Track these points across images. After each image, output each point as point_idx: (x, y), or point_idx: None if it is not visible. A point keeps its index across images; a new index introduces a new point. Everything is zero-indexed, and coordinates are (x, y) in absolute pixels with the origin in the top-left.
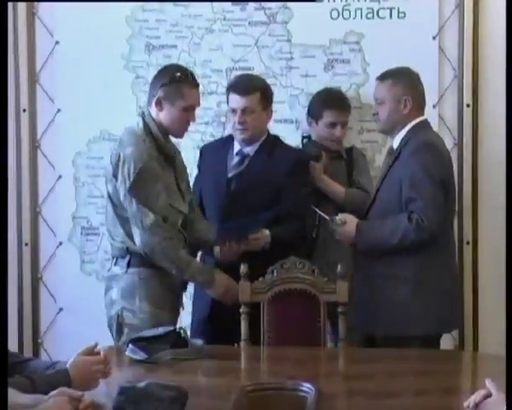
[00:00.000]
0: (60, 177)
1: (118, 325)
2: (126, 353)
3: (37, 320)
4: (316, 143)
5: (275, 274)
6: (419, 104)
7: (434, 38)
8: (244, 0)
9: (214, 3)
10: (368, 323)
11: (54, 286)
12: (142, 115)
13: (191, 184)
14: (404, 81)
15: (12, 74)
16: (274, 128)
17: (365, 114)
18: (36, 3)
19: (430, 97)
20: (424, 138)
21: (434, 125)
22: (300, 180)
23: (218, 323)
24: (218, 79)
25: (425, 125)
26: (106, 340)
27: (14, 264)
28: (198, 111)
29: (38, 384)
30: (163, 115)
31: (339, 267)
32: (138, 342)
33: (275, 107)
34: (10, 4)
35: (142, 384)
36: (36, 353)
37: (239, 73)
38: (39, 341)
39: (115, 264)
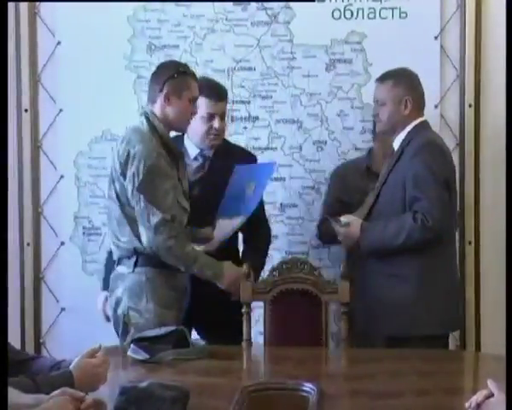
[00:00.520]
0: (61, 177)
1: (124, 325)
2: (128, 353)
3: (39, 320)
4: None
5: (276, 274)
6: (419, 105)
7: (436, 37)
8: (246, 0)
9: (216, 3)
10: (371, 324)
11: (56, 286)
12: (146, 114)
13: None
14: (405, 82)
15: (14, 74)
16: (275, 128)
17: (367, 114)
18: (37, 3)
19: (432, 97)
20: (426, 138)
21: (436, 125)
22: None
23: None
24: (219, 79)
25: (425, 125)
26: (108, 340)
27: (16, 264)
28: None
29: (41, 385)
30: (170, 109)
31: (341, 267)
32: (140, 342)
33: (277, 107)
34: (12, 4)
35: (143, 384)
36: (38, 353)
37: (240, 73)
38: (41, 341)
39: (119, 264)
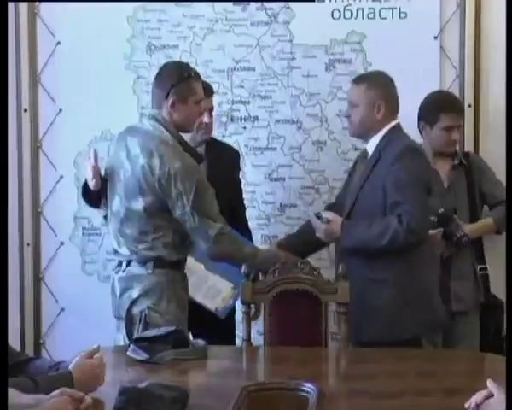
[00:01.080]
0: (61, 177)
1: (144, 325)
2: (128, 353)
3: (39, 321)
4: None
5: (276, 274)
6: (392, 109)
7: (436, 38)
8: (246, 0)
9: (216, 4)
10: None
11: (55, 286)
12: (157, 120)
13: None
14: (379, 86)
15: (13, 75)
16: (275, 128)
17: None
18: (37, 4)
19: None
20: (405, 144)
21: None
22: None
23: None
24: (219, 79)
25: (399, 129)
26: (107, 340)
27: (16, 264)
28: None
29: (41, 386)
30: (177, 115)
31: (340, 268)
32: (140, 342)
33: (276, 107)
34: (12, 4)
35: (143, 385)
36: (37, 353)
37: (239, 73)
38: (41, 341)
39: (128, 265)
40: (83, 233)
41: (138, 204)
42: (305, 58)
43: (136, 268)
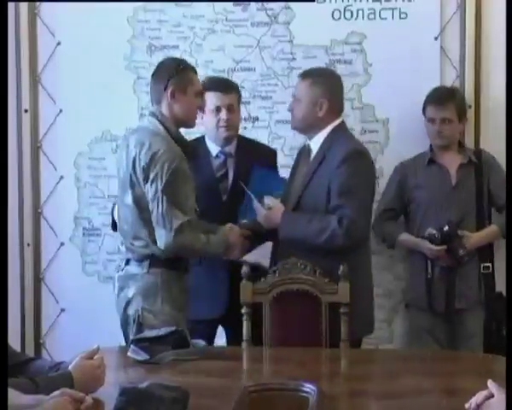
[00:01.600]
0: (61, 177)
1: (138, 325)
2: (128, 353)
3: (39, 321)
4: None
5: (276, 275)
6: (336, 108)
7: (436, 38)
8: (246, 0)
9: (216, 4)
10: None
11: (55, 287)
12: (155, 116)
13: None
14: (323, 83)
15: (14, 75)
16: (275, 129)
17: (367, 114)
18: (38, 4)
19: None
20: (351, 146)
21: None
22: None
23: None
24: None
25: (343, 128)
26: (107, 341)
27: (16, 264)
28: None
29: (41, 386)
30: (177, 106)
31: (340, 268)
32: (140, 342)
33: (277, 107)
34: (12, 4)
35: (143, 385)
36: (38, 353)
37: (240, 73)
38: (41, 341)
39: (127, 264)
40: (83, 234)
41: (129, 198)
42: (305, 58)
43: (133, 268)
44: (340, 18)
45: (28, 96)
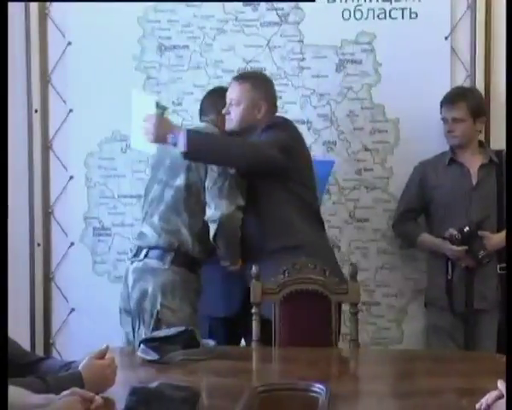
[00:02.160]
0: (71, 177)
1: (156, 321)
2: (138, 353)
3: (49, 321)
4: None
5: (286, 275)
6: (272, 109)
7: (446, 38)
8: (256, 0)
9: (226, 4)
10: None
11: (65, 286)
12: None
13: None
14: (261, 86)
15: (24, 75)
16: None
17: (377, 114)
18: (48, 4)
19: (442, 98)
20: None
21: None
22: None
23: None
24: (229, 79)
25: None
26: (117, 340)
27: (26, 264)
28: None
29: (51, 386)
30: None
31: (350, 267)
32: (150, 342)
33: (287, 107)
34: (22, 5)
35: (153, 385)
36: (47, 353)
37: None
38: (51, 341)
39: (146, 255)
40: (93, 234)
41: (179, 180)
42: (315, 58)
43: (153, 261)
44: (349, 18)
45: (38, 96)
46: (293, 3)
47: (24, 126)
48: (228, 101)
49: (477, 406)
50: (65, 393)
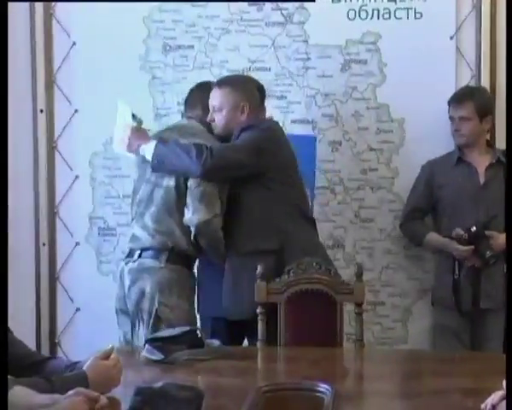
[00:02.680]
0: (77, 177)
1: (156, 319)
2: (143, 353)
3: (54, 320)
4: None
5: (291, 275)
6: (257, 109)
7: (451, 38)
8: (261, 0)
9: (231, 4)
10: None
11: (71, 286)
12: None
13: None
14: (241, 88)
15: (29, 75)
16: (290, 128)
17: (382, 114)
18: (53, 4)
19: (447, 98)
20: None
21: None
22: None
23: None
24: None
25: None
26: (122, 340)
27: (32, 264)
28: None
29: (56, 386)
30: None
31: (355, 267)
32: (155, 342)
33: (292, 107)
34: (27, 5)
35: (158, 385)
36: (53, 353)
37: (254, 73)
38: (56, 341)
39: (140, 256)
40: (98, 233)
41: (169, 180)
42: (320, 58)
43: (148, 260)
44: (355, 18)
45: (44, 96)
46: (297, 3)
47: (29, 127)
48: (210, 108)
49: (482, 406)
50: (70, 393)
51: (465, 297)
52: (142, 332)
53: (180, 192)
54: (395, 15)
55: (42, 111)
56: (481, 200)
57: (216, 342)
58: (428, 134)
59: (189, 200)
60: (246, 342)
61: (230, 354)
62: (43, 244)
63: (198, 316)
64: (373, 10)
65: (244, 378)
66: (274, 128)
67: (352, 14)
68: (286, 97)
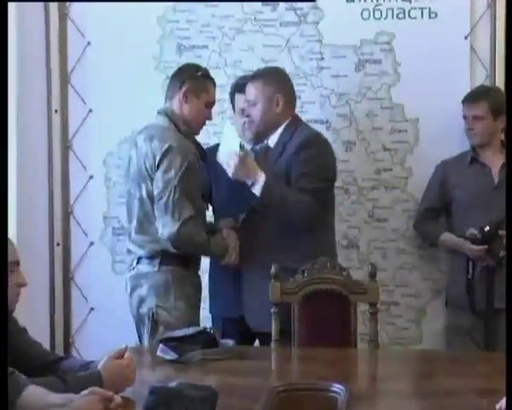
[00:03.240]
0: (91, 177)
1: (153, 323)
2: (157, 353)
3: (69, 320)
4: None
5: (305, 275)
6: (291, 101)
7: (466, 37)
8: (275, 0)
9: (245, 4)
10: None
11: (85, 286)
12: (164, 114)
13: None
14: (275, 80)
15: (44, 75)
16: None
17: (396, 114)
18: (67, 4)
19: (461, 98)
20: (309, 133)
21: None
22: None
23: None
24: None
25: (299, 119)
26: (136, 340)
27: (46, 264)
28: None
29: (71, 385)
30: (187, 108)
31: (369, 267)
32: (169, 342)
33: (306, 107)
34: (42, 5)
35: (173, 384)
36: (67, 352)
37: None
38: (71, 340)
39: (138, 262)
40: (112, 233)
41: (142, 192)
42: (334, 58)
43: (144, 266)
44: (369, 17)
45: (58, 96)
46: (311, 3)
47: (44, 126)
48: (245, 104)
49: (497, 406)
50: (84, 392)
51: (479, 297)
52: (146, 338)
53: (153, 200)
54: (409, 15)
55: (56, 111)
56: (495, 200)
57: (230, 342)
58: (443, 134)
59: (156, 213)
60: (257, 343)
61: (244, 354)
62: (58, 244)
63: (210, 316)
64: (387, 10)
65: (258, 378)
66: (324, 138)
67: (366, 14)
68: (300, 97)
